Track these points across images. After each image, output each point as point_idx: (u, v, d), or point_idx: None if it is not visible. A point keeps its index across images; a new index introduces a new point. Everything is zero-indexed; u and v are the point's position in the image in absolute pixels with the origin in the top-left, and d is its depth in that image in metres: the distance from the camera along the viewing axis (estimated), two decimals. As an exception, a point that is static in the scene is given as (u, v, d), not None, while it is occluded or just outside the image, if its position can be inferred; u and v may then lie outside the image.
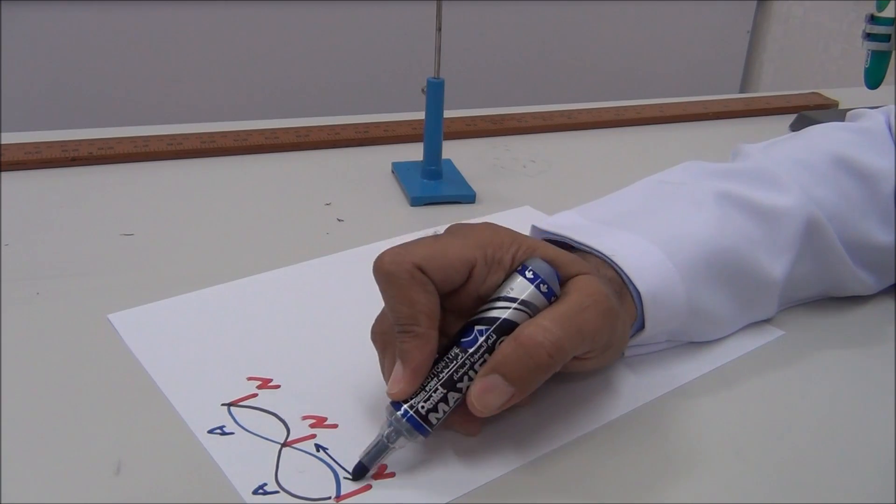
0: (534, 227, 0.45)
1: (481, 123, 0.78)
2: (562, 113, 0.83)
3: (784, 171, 0.47)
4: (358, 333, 0.42)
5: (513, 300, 0.35)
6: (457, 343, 0.35)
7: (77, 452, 0.35)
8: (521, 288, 0.35)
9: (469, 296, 0.36)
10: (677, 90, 1.62)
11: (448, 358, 0.35)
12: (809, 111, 0.86)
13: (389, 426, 0.35)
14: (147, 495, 0.33)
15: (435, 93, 0.60)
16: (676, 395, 0.41)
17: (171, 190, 0.63)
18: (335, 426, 0.37)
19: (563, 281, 0.36)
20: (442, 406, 0.35)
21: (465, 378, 0.35)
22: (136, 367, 0.41)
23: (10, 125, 1.15)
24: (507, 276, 0.36)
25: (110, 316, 0.45)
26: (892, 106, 0.52)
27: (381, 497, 0.33)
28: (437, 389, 0.34)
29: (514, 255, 0.36)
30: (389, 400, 0.35)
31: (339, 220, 0.58)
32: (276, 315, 0.46)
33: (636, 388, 0.41)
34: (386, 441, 0.34)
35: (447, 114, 0.63)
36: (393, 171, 0.66)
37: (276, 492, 0.33)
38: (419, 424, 0.34)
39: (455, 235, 0.37)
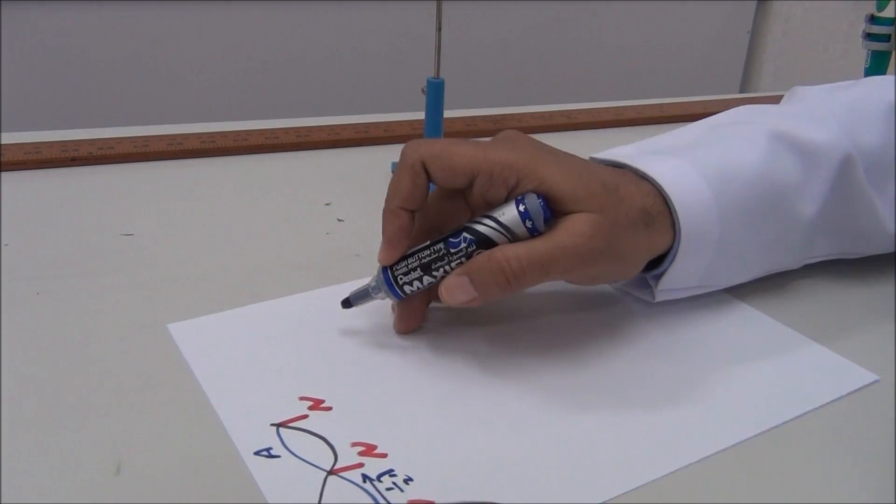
0: (591, 158, 0.48)
1: (481, 123, 0.79)
2: (562, 113, 0.83)
3: (830, 112, 0.48)
4: (418, 359, 0.42)
5: (498, 223, 0.40)
6: (445, 240, 0.41)
7: (77, 452, 0.35)
8: (510, 216, 0.40)
9: (475, 197, 0.42)
10: (677, 90, 1.62)
11: (434, 248, 0.41)
12: (809, 111, 0.86)
13: (375, 280, 0.43)
14: (147, 495, 0.33)
15: (435, 93, 0.60)
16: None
17: (171, 190, 0.63)
18: (384, 455, 0.35)
19: (566, 213, 0.40)
20: (416, 282, 0.42)
21: (441, 269, 0.41)
22: (136, 367, 0.41)
23: (10, 125, 1.15)
24: (508, 198, 0.41)
25: (170, 326, 0.44)
26: None
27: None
28: (416, 268, 0.41)
29: (519, 179, 0.40)
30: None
31: (339, 221, 0.58)
32: (334, 333, 0.44)
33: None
34: (369, 289, 0.43)
35: (447, 114, 0.63)
36: (393, 171, 0.66)
37: None
38: (392, 287, 0.42)
39: (483, 144, 0.42)
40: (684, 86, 1.78)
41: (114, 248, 0.53)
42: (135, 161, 0.67)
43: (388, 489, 0.34)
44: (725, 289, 0.49)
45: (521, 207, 0.40)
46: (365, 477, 0.34)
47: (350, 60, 1.50)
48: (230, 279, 0.49)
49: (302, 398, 0.39)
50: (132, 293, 0.47)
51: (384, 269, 0.42)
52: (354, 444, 0.36)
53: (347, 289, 0.44)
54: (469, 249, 0.40)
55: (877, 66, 0.75)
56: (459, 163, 0.41)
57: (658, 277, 0.45)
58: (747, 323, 0.46)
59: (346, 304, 0.44)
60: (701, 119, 0.51)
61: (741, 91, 1.85)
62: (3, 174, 0.62)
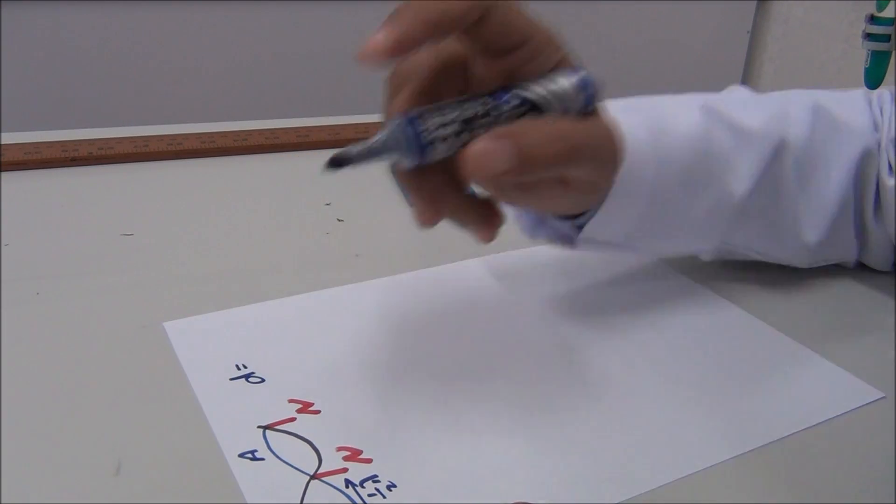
0: None
1: (481, 123, 0.78)
2: (562, 113, 0.83)
3: (762, 103, 0.50)
4: (410, 366, 0.42)
5: (554, 91, 0.35)
6: (490, 94, 0.34)
7: (77, 452, 0.35)
8: (569, 87, 0.36)
9: (503, 65, 0.35)
10: (677, 90, 1.61)
11: (477, 102, 0.34)
12: (809, 111, 0.85)
13: (387, 134, 0.33)
14: (145, 496, 0.33)
15: (435, 93, 0.60)
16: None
17: (171, 190, 0.63)
18: (369, 461, 0.35)
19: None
20: (450, 139, 0.33)
21: (481, 129, 0.33)
22: (136, 367, 0.41)
23: (10, 125, 1.15)
24: (559, 72, 0.36)
25: (165, 324, 0.44)
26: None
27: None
28: (454, 122, 0.33)
29: (563, 55, 0.37)
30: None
31: (339, 221, 0.58)
32: (328, 336, 0.44)
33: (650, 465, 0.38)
34: (379, 145, 0.33)
35: (447, 114, 0.62)
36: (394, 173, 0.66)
37: None
38: (415, 143, 0.33)
39: (534, 19, 0.37)
40: (684, 86, 1.77)
41: (114, 248, 0.53)
42: (135, 161, 0.67)
43: (370, 495, 0.34)
44: (734, 300, 0.49)
45: (581, 81, 0.36)
46: (348, 482, 0.34)
47: (350, 60, 1.49)
48: (230, 279, 0.49)
49: (291, 400, 0.39)
50: (132, 293, 0.47)
51: (408, 119, 0.33)
52: (340, 449, 0.36)
53: (346, 291, 0.43)
54: (519, 112, 0.34)
55: (877, 66, 0.75)
56: (524, 17, 0.35)
57: (581, 226, 0.44)
58: (755, 335, 0.46)
59: (339, 162, 0.33)
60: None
61: (741, 91, 1.85)
62: (3, 174, 0.62)
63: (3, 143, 0.66)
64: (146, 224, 0.56)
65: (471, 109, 0.33)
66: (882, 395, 0.41)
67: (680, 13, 1.74)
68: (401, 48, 0.32)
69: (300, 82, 1.48)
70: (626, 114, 0.43)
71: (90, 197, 0.61)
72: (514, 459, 0.36)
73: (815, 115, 0.49)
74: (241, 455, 0.35)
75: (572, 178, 0.38)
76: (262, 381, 0.40)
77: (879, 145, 0.50)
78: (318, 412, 0.38)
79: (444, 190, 0.35)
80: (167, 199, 0.61)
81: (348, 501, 0.33)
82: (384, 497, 0.34)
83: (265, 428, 0.37)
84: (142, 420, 0.37)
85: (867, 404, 0.41)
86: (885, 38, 0.73)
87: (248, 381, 0.40)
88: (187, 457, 0.35)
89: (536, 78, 0.35)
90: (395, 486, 0.34)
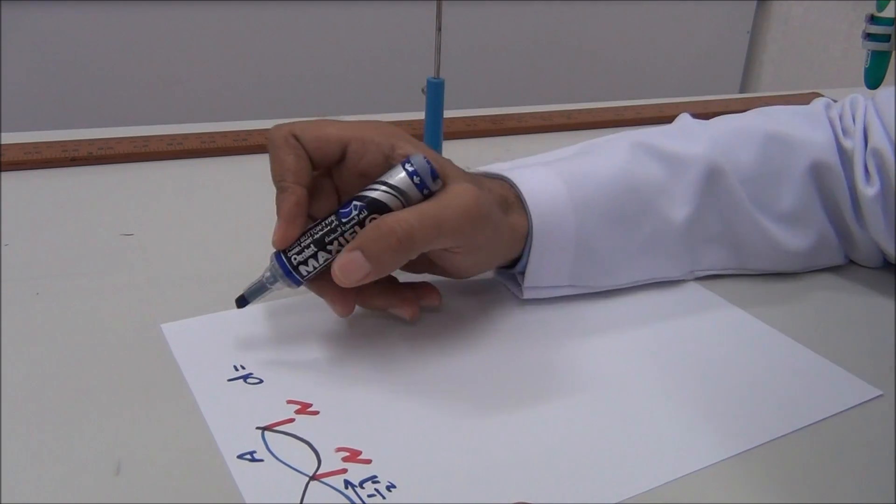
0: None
1: (481, 123, 0.78)
2: (562, 113, 0.83)
3: (702, 128, 0.51)
4: (408, 367, 0.42)
5: (387, 185, 0.40)
6: (336, 212, 0.40)
7: (77, 453, 0.35)
8: (397, 176, 0.40)
9: (351, 173, 0.42)
10: (677, 90, 1.62)
11: (325, 223, 0.40)
12: (809, 111, 0.85)
13: (269, 270, 0.41)
14: (143, 496, 0.33)
15: (435, 93, 0.60)
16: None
17: (171, 190, 0.63)
18: (368, 462, 0.35)
19: (444, 185, 0.41)
20: (312, 262, 0.40)
21: (336, 243, 0.40)
22: (135, 368, 0.41)
23: (10, 125, 1.15)
24: (392, 167, 0.40)
25: (163, 325, 0.44)
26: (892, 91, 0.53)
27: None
28: (309, 246, 0.40)
29: (394, 144, 0.41)
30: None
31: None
32: (326, 337, 0.44)
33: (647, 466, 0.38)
34: (265, 281, 0.41)
35: (447, 114, 0.63)
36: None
37: None
38: (290, 272, 0.40)
39: (348, 122, 0.42)
40: (684, 86, 1.78)
41: (114, 248, 0.53)
42: (135, 161, 0.67)
43: (369, 496, 0.34)
44: (732, 300, 0.49)
45: (409, 167, 0.40)
46: (347, 483, 0.34)
47: (350, 60, 1.50)
48: (230, 279, 0.49)
49: (290, 401, 0.39)
50: (132, 293, 0.47)
51: (278, 254, 0.41)
52: (339, 450, 0.36)
53: None
54: (361, 217, 0.40)
55: (877, 66, 0.75)
56: (331, 132, 0.41)
57: (524, 273, 0.46)
58: (753, 335, 0.46)
59: (242, 302, 0.42)
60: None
61: (741, 91, 1.85)
62: (3, 174, 0.62)
63: (3, 143, 0.66)
64: (146, 224, 0.56)
65: (319, 232, 0.40)
66: (880, 392, 0.42)
67: (680, 14, 1.74)
68: (298, 226, 0.40)
69: (300, 82, 1.48)
70: (540, 169, 0.46)
71: (90, 197, 0.61)
72: (513, 459, 0.36)
73: (766, 136, 0.50)
74: (240, 456, 0.35)
75: (447, 249, 0.41)
76: (261, 381, 0.40)
77: (844, 153, 0.51)
78: (316, 413, 0.38)
79: (348, 289, 0.41)
80: (167, 199, 0.61)
81: (348, 502, 0.33)
82: (384, 497, 0.34)
83: (264, 429, 0.37)
84: (141, 421, 0.37)
85: (865, 402, 0.41)
86: (885, 38, 0.73)
87: (247, 382, 0.40)
88: (186, 458, 0.35)
89: (379, 177, 0.40)
90: (394, 486, 0.34)
